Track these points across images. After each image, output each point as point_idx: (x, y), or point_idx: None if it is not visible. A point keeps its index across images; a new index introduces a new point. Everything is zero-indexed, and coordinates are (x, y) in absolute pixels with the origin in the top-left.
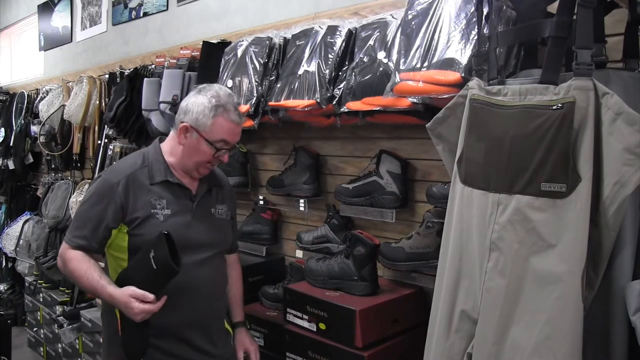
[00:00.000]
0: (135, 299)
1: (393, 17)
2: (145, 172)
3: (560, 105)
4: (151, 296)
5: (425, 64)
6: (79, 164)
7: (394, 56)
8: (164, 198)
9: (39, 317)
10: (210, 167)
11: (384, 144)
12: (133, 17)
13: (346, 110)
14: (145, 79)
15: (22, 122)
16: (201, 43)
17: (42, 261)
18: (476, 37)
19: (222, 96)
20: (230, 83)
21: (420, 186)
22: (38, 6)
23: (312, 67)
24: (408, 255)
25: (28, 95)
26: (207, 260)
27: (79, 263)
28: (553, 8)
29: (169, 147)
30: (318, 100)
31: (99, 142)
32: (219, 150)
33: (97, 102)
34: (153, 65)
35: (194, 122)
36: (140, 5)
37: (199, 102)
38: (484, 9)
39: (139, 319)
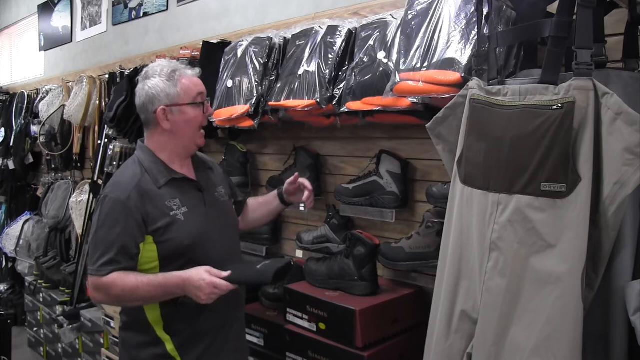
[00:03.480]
0: (210, 274)
1: (393, 17)
2: (148, 178)
3: (560, 105)
4: (225, 273)
5: (425, 64)
6: (79, 164)
7: (394, 56)
8: (176, 197)
9: (39, 317)
10: (203, 132)
11: (384, 144)
12: (133, 17)
13: (346, 110)
14: None
15: (22, 122)
16: (201, 43)
17: (42, 261)
18: (476, 37)
19: (164, 65)
20: (230, 83)
21: (420, 186)
22: (38, 6)
23: (312, 67)
24: (408, 255)
25: (28, 95)
26: (227, 246)
27: (123, 280)
28: (553, 8)
29: (156, 145)
30: (318, 100)
31: (99, 142)
32: (202, 104)
33: (97, 102)
34: None
35: (167, 101)
36: (140, 5)
37: (153, 84)
38: (484, 9)
39: (208, 297)
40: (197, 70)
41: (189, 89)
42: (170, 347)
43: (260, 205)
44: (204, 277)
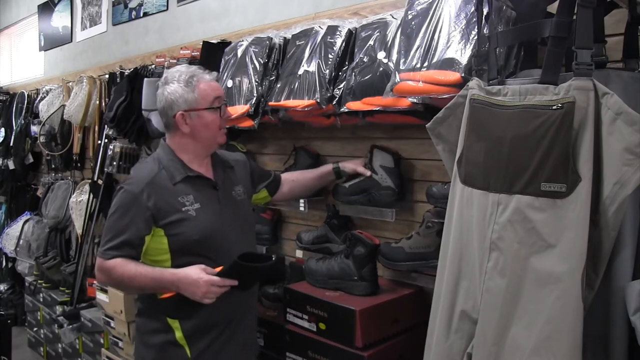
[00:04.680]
0: (206, 272)
1: (393, 17)
2: (164, 174)
3: (560, 105)
4: (217, 269)
5: (425, 64)
6: (79, 164)
7: (394, 56)
8: (189, 194)
9: (39, 317)
10: (224, 131)
11: (384, 144)
12: (133, 17)
13: (346, 110)
14: (145, 79)
15: (22, 122)
16: (201, 43)
17: (42, 261)
18: (476, 37)
19: (182, 71)
20: (230, 83)
21: (420, 186)
22: (38, 6)
23: (312, 67)
24: (408, 255)
25: (28, 95)
26: (240, 244)
27: (123, 267)
28: (553, 8)
29: (177, 145)
30: (318, 100)
31: (99, 142)
32: (219, 108)
33: (97, 102)
34: (153, 65)
35: (185, 106)
36: (140, 5)
37: (172, 90)
38: (484, 9)
39: (204, 295)
40: (215, 74)
41: (206, 94)
42: (179, 335)
43: (312, 180)
44: (202, 275)
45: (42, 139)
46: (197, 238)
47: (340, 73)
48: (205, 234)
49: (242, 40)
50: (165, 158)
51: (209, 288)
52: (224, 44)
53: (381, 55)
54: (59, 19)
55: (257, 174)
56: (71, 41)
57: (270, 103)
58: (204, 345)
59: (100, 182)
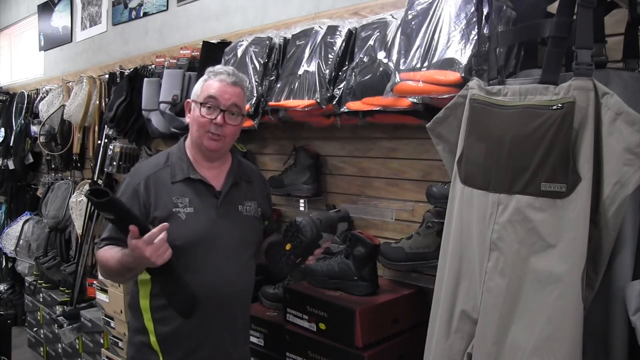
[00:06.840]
0: (137, 240)
1: (393, 17)
2: (168, 171)
3: (560, 105)
4: (135, 229)
5: (425, 64)
6: (79, 164)
7: (394, 56)
8: (186, 196)
9: (39, 317)
10: (212, 136)
11: (384, 144)
12: (133, 17)
13: (346, 110)
14: (145, 79)
15: (22, 122)
16: (201, 43)
17: (42, 261)
18: (476, 37)
19: (217, 67)
20: None
21: (421, 186)
22: (38, 6)
23: (312, 67)
24: (408, 255)
25: (28, 95)
26: (233, 261)
27: (104, 254)
28: (553, 8)
29: (189, 140)
30: (318, 100)
31: (99, 142)
32: (205, 105)
33: (97, 102)
34: (153, 65)
35: (192, 96)
36: (140, 5)
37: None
38: (484, 9)
39: (153, 255)
40: (237, 79)
41: (206, 89)
42: (153, 339)
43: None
44: (135, 244)
45: (42, 139)
46: (180, 244)
47: (340, 73)
48: (189, 241)
49: (242, 40)
50: (175, 155)
51: (151, 246)
52: (224, 44)
53: (381, 55)
54: (59, 19)
55: (268, 205)
56: (71, 41)
57: (270, 103)
58: (179, 356)
59: (100, 182)
